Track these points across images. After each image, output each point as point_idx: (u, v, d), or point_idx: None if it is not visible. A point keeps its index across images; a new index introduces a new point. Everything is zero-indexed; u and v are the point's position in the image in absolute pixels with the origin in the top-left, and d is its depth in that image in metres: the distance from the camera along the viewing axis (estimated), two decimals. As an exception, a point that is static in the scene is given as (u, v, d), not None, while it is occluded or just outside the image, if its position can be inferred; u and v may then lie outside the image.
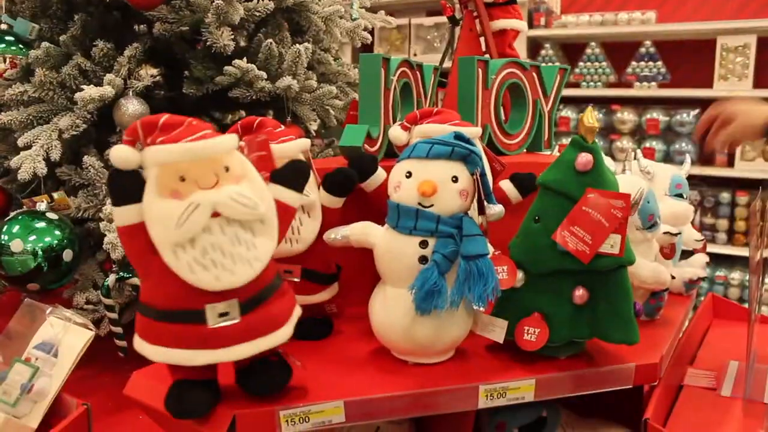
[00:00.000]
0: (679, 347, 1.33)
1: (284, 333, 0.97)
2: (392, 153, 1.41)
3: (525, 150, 1.60)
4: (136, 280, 1.45)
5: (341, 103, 1.75)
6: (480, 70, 1.44)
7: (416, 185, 1.05)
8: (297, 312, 1.01)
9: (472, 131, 1.22)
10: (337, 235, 1.15)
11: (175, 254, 0.88)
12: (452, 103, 1.54)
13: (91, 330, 1.14)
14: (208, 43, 1.55)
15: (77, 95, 1.43)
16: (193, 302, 0.90)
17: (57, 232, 1.42)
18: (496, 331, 1.10)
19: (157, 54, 1.67)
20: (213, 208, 0.88)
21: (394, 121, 1.40)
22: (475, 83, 1.43)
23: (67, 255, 1.42)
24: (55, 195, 1.51)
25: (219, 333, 0.91)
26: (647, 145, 4.15)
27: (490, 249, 1.08)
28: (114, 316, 1.46)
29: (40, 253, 1.39)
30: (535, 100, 1.59)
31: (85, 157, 1.50)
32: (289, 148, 1.13)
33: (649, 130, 4.17)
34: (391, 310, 1.09)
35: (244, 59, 1.56)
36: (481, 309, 1.06)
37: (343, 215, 1.22)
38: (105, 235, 1.40)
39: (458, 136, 1.09)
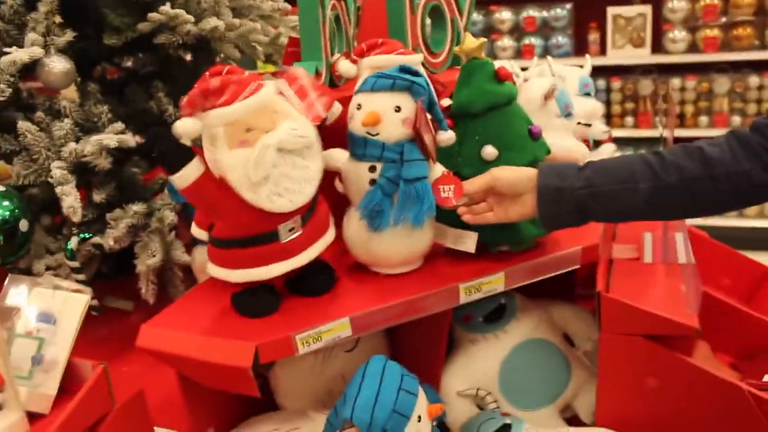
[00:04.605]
0: (603, 227, 1.53)
1: (331, 233, 1.19)
2: (333, 84, 1.48)
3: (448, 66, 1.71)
4: (98, 239, 1.47)
5: (267, 39, 1.77)
6: (406, -3, 1.51)
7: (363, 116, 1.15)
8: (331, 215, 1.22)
9: (415, 58, 1.31)
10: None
11: (254, 191, 1.04)
12: (367, 29, 1.62)
13: (86, 294, 1.17)
14: (126, -9, 1.52)
15: (3, 59, 1.38)
16: (267, 225, 1.09)
17: (7, 203, 1.39)
18: (467, 242, 1.22)
19: (65, 6, 1.60)
20: (278, 146, 1.04)
21: (332, 54, 1.46)
22: (403, 9, 1.51)
23: (23, 225, 1.40)
24: (-6, 166, 1.47)
25: (289, 246, 1.11)
26: (526, 42, 4.36)
27: (439, 169, 1.19)
28: (81, 277, 1.48)
29: (-6, 227, 1.37)
30: (453, 18, 1.69)
31: (20, 122, 1.46)
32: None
33: (527, 27, 4.38)
34: (353, 227, 1.21)
35: (167, 4, 1.54)
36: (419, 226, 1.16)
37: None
38: (58, 200, 1.40)
39: (403, 69, 1.18)
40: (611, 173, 1.08)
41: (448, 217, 1.20)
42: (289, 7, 2.02)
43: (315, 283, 1.19)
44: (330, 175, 1.22)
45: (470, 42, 1.22)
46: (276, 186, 1.05)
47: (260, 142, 1.03)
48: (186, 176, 1.06)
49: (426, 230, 1.20)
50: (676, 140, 1.43)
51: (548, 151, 1.29)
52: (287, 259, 1.11)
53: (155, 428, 1.22)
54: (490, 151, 1.20)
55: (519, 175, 1.13)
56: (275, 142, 1.03)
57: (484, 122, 1.22)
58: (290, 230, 1.10)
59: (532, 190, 1.11)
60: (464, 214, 1.16)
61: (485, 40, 1.23)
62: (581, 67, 1.78)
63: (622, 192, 1.07)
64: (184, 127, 1.03)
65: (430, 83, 1.22)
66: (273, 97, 1.08)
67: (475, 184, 1.15)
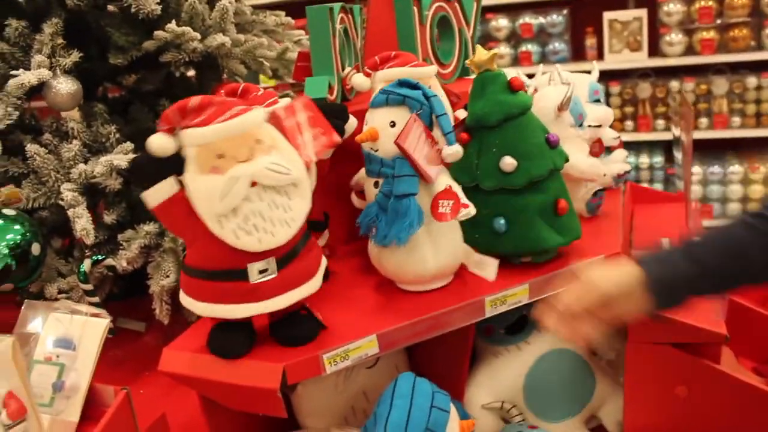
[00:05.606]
0: (621, 233, 1.52)
1: (314, 284, 1.07)
2: (344, 97, 1.47)
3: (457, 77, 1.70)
4: (110, 261, 1.44)
5: (274, 54, 1.76)
6: (415, 8, 1.50)
7: (366, 132, 1.15)
8: (323, 263, 1.09)
9: (429, 70, 1.30)
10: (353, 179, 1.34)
11: (219, 223, 0.96)
12: (374, 41, 1.61)
13: (105, 318, 1.15)
14: (132, 10, 1.50)
15: (11, 82, 1.36)
16: (236, 262, 1.00)
17: (18, 227, 1.38)
18: (488, 270, 1.19)
19: (69, 27, 1.59)
20: (251, 179, 0.95)
21: (344, 68, 1.45)
22: (412, 21, 1.50)
23: (35, 249, 1.38)
24: (4, 190, 1.45)
25: (258, 288, 1.01)
26: (523, 49, 4.36)
27: (443, 182, 1.14)
28: (95, 299, 1.45)
29: (6, 251, 1.34)
30: (460, 29, 1.68)
31: (28, 145, 1.44)
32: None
33: (524, 34, 4.38)
34: (370, 242, 1.20)
35: (173, 22, 1.53)
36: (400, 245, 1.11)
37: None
38: (69, 222, 1.38)
39: (402, 83, 1.15)
40: (720, 249, 1.01)
41: (473, 239, 1.19)
42: (292, 21, 2.02)
43: (292, 332, 1.08)
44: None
45: (481, 54, 1.21)
46: (245, 222, 0.96)
47: (230, 171, 0.95)
48: (157, 194, 0.97)
49: (438, 248, 1.17)
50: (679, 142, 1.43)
51: (566, 159, 1.28)
52: (255, 302, 1.02)
53: (178, 453, 1.21)
54: (509, 162, 1.19)
55: (621, 277, 1.00)
56: (248, 174, 0.95)
57: (501, 133, 1.20)
58: (261, 272, 1.01)
59: (639, 286, 1.00)
60: (562, 335, 1.04)
61: (497, 51, 1.22)
62: (589, 73, 1.77)
63: (734, 266, 1.00)
64: (158, 143, 0.95)
65: (438, 96, 1.16)
66: (257, 125, 0.99)
67: (581, 301, 1.00)
